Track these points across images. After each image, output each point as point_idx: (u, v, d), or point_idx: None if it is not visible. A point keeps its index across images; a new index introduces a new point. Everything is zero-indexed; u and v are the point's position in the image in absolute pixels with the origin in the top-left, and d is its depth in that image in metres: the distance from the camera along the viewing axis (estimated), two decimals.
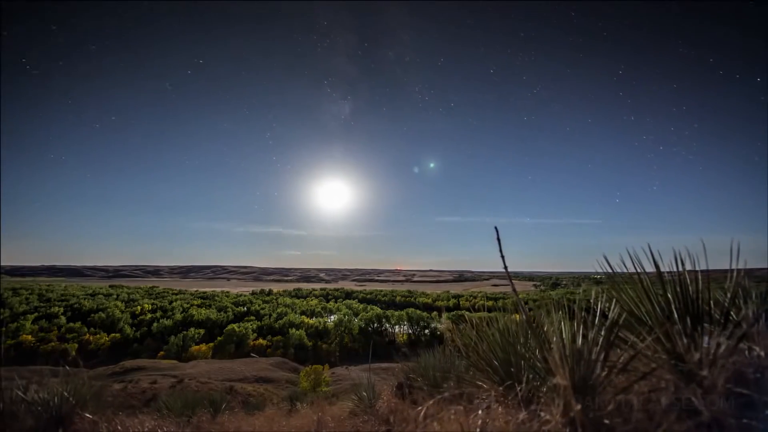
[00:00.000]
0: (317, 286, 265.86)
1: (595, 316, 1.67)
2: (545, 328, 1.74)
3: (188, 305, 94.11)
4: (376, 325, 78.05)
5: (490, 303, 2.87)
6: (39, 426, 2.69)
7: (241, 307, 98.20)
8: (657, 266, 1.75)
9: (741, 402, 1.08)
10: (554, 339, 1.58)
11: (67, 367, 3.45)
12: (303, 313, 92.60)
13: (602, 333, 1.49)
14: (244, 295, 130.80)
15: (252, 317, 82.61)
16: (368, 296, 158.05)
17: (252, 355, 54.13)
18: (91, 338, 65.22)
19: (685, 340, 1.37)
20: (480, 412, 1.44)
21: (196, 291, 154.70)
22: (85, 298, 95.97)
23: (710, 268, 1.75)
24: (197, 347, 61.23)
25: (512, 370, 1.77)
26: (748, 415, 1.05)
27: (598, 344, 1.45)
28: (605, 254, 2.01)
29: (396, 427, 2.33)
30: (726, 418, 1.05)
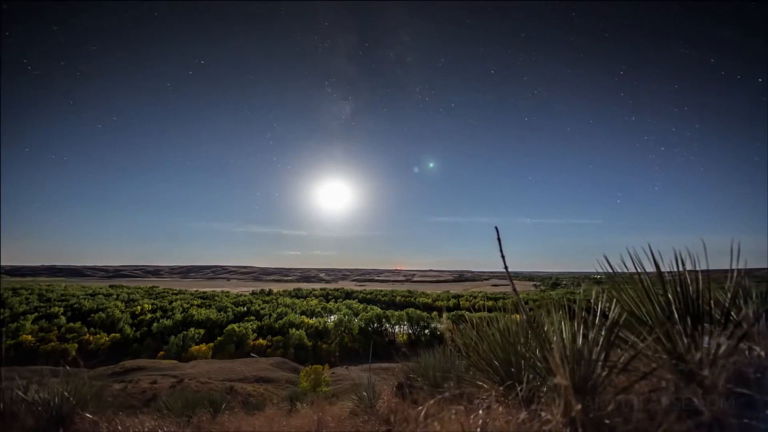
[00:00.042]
0: (317, 286, 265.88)
1: (595, 316, 1.67)
2: (545, 328, 1.74)
3: (188, 305, 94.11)
4: (376, 325, 78.05)
5: (490, 303, 2.87)
6: (39, 426, 2.69)
7: (241, 307, 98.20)
8: (657, 266, 1.75)
9: (741, 402, 1.08)
10: (554, 339, 1.58)
11: (68, 367, 3.44)
12: (303, 313, 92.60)
13: (602, 333, 1.49)
14: (244, 295, 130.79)
15: (252, 317, 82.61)
16: (368, 296, 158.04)
17: (252, 355, 54.14)
18: (91, 338, 65.22)
19: (685, 340, 1.37)
20: (480, 411, 1.44)
21: (196, 291, 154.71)
22: (85, 298, 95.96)
23: (710, 268, 1.75)
24: (197, 347, 61.23)
25: (512, 370, 1.77)
26: (749, 415, 1.05)
27: (598, 344, 1.45)
28: (605, 254, 2.01)
29: (397, 427, 2.33)
30: (727, 418, 1.05)
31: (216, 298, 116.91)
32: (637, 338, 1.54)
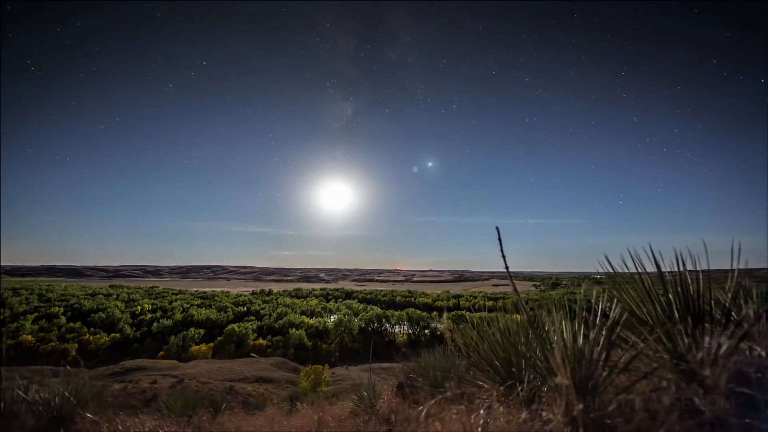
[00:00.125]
0: (317, 286, 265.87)
1: (596, 316, 1.67)
2: (546, 328, 1.75)
3: (188, 305, 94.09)
4: (376, 325, 78.04)
5: (491, 303, 2.87)
6: (40, 426, 2.69)
7: (241, 307, 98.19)
8: (658, 266, 1.75)
9: (743, 401, 1.08)
10: (555, 339, 1.58)
11: (68, 367, 3.45)
12: (303, 313, 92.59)
13: (603, 333, 1.49)
14: (244, 295, 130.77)
15: (252, 317, 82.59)
16: (368, 296, 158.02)
17: (252, 355, 54.14)
18: (91, 338, 65.21)
19: (686, 340, 1.37)
20: (481, 411, 1.44)
21: (196, 291, 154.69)
22: (85, 298, 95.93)
23: (711, 268, 1.76)
24: (197, 347, 61.22)
25: (513, 369, 1.77)
26: (750, 414, 1.05)
27: (599, 344, 1.45)
28: (606, 254, 2.02)
29: (398, 426, 2.33)
30: (728, 418, 1.05)
31: (216, 298, 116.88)
32: (638, 338, 1.55)
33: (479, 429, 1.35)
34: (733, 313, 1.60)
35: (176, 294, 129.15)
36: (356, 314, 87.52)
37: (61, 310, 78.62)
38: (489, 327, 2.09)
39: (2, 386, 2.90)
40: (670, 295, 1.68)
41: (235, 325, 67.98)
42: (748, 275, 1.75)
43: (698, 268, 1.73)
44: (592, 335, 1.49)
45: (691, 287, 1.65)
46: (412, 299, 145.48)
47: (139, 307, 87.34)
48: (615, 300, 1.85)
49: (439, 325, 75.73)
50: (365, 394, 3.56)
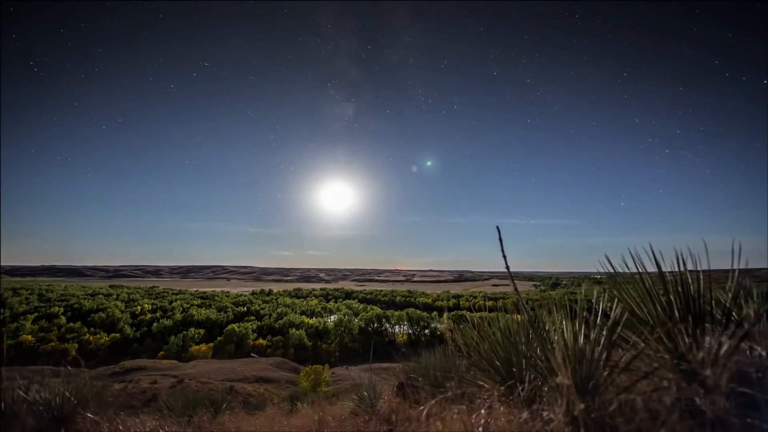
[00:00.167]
0: (317, 286, 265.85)
1: (596, 316, 1.68)
2: (547, 328, 1.75)
3: (188, 305, 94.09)
4: (376, 325, 78.04)
5: (491, 303, 2.87)
6: (41, 426, 2.69)
7: (241, 307, 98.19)
8: (659, 266, 1.75)
9: (743, 401, 1.08)
10: (556, 338, 1.58)
11: (69, 367, 3.45)
12: (303, 313, 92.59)
13: (604, 333, 1.50)
14: (244, 295, 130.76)
15: (252, 317, 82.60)
16: (368, 296, 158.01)
17: (252, 355, 54.13)
18: (91, 338, 65.22)
19: (687, 340, 1.37)
20: (482, 411, 1.44)
21: (196, 291, 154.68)
22: (85, 298, 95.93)
23: (711, 268, 1.76)
24: (197, 347, 61.23)
25: (514, 369, 1.77)
26: (751, 414, 1.05)
27: (600, 344, 1.45)
28: (606, 254, 2.02)
29: (399, 426, 2.34)
30: (729, 418, 1.05)
31: (216, 298, 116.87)
32: (639, 338, 1.55)
33: (480, 429, 1.35)
34: (733, 313, 1.60)
35: (176, 294, 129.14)
36: (356, 314, 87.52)
37: (61, 310, 78.63)
38: (489, 327, 2.09)
39: (3, 386, 2.90)
40: (671, 295, 1.68)
41: (235, 325, 67.99)
42: (748, 275, 1.75)
43: (699, 268, 1.73)
44: (592, 335, 1.49)
45: (691, 287, 1.66)
46: (412, 299, 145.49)
47: (139, 307, 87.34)
48: (615, 300, 1.85)
49: (439, 325, 75.74)
50: (366, 394, 3.56)
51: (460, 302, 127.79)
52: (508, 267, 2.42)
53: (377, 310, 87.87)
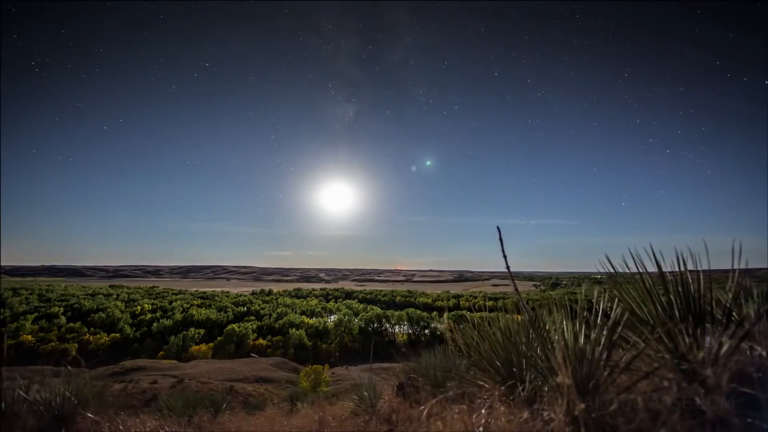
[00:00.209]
0: (317, 286, 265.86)
1: (597, 316, 1.68)
2: (547, 328, 1.75)
3: (188, 305, 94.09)
4: (376, 325, 78.04)
5: (491, 303, 2.87)
6: (42, 426, 2.69)
7: (241, 307, 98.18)
8: (659, 266, 1.76)
9: (744, 401, 1.08)
10: (556, 338, 1.58)
11: (69, 367, 3.45)
12: (303, 313, 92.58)
13: (604, 332, 1.50)
14: (244, 295, 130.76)
15: (252, 317, 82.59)
16: (368, 296, 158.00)
17: (252, 355, 54.13)
18: (91, 338, 65.21)
19: (687, 340, 1.37)
20: (483, 411, 1.44)
21: (196, 291, 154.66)
22: (85, 298, 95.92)
23: (712, 268, 1.76)
24: (197, 347, 61.22)
25: (514, 369, 1.77)
26: (752, 414, 1.05)
27: (600, 344, 1.45)
28: (607, 254, 2.02)
29: (399, 426, 2.34)
30: (729, 417, 1.05)
31: (216, 298, 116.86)
32: (639, 338, 1.55)
33: (481, 428, 1.36)
34: (734, 313, 1.60)
35: (176, 294, 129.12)
36: (356, 314, 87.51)
37: (61, 310, 78.61)
38: (490, 327, 2.09)
39: (3, 386, 2.90)
40: (671, 295, 1.68)
41: (235, 325, 67.98)
42: (748, 275, 1.75)
43: (699, 268, 1.73)
44: (593, 335, 1.49)
45: (692, 287, 1.66)
46: (412, 299, 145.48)
47: (139, 307, 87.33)
48: (616, 300, 1.85)
49: (439, 325, 75.75)
50: (366, 393, 3.56)
51: (460, 302, 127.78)
52: (508, 267, 2.42)
53: (377, 310, 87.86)
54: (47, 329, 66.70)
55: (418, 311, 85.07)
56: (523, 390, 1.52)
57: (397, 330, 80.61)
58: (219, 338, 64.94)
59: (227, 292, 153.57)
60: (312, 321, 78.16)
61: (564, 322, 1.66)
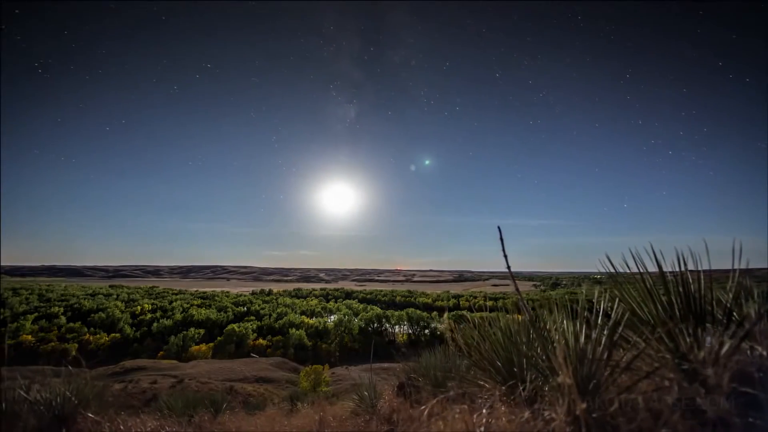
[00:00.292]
0: (317, 286, 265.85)
1: (597, 316, 1.68)
2: (548, 327, 1.75)
3: (188, 305, 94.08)
4: (376, 325, 78.04)
5: (491, 303, 2.87)
6: (42, 425, 2.70)
7: (241, 307, 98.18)
8: (660, 266, 1.76)
9: (745, 401, 1.08)
10: (557, 338, 1.58)
11: (70, 367, 3.45)
12: (303, 313, 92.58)
13: (605, 332, 1.50)
14: (244, 295, 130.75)
15: (252, 317, 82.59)
16: (368, 296, 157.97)
17: (252, 355, 54.12)
18: (91, 338, 65.20)
19: (688, 340, 1.37)
20: (484, 411, 1.44)
21: (196, 291, 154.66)
22: (85, 298, 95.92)
23: (712, 268, 1.76)
24: (197, 347, 61.21)
25: (515, 369, 1.77)
26: (752, 414, 1.05)
27: (601, 343, 1.45)
28: (607, 254, 2.02)
29: (400, 426, 2.34)
30: (730, 417, 1.05)
31: (216, 298, 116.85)
32: (640, 338, 1.55)
33: (482, 428, 1.36)
34: (734, 313, 1.60)
35: (176, 294, 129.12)
36: (356, 314, 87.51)
37: (61, 310, 78.61)
38: (490, 327, 2.09)
39: (4, 386, 2.91)
40: (672, 295, 1.68)
41: (235, 325, 67.98)
42: (749, 275, 1.75)
43: (700, 268, 1.73)
44: (594, 335, 1.50)
45: (692, 287, 1.66)
46: (412, 299, 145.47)
47: (139, 307, 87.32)
48: (617, 300, 1.85)
49: (439, 325, 75.75)
50: (366, 393, 3.56)
51: (460, 302, 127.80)
52: (509, 267, 2.43)
53: (377, 310, 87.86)
54: (47, 329, 66.70)
55: (418, 311, 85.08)
56: (523, 390, 1.52)
57: (397, 330, 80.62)
58: (219, 338, 64.94)
59: (227, 292, 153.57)
60: (312, 321, 78.15)
61: (565, 322, 1.66)
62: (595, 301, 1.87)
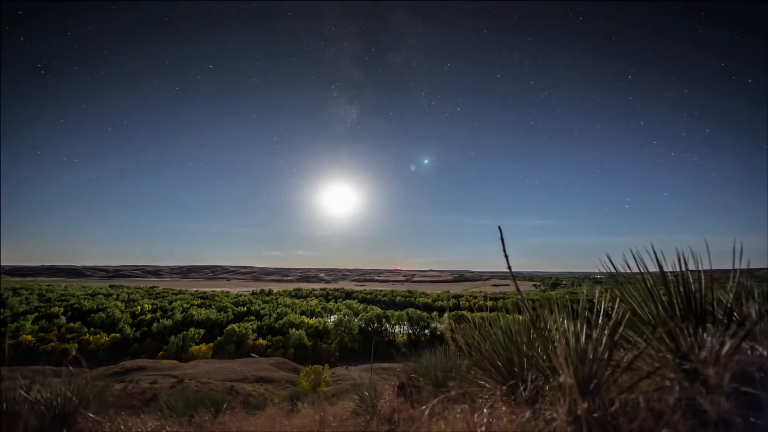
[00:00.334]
0: (317, 286, 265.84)
1: (598, 316, 1.68)
2: (548, 326, 1.75)
3: (188, 305, 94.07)
4: (376, 325, 78.03)
5: (491, 303, 2.87)
6: (43, 425, 2.70)
7: (241, 307, 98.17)
8: (660, 266, 1.76)
9: (745, 401, 1.08)
10: (558, 338, 1.58)
11: (70, 367, 3.45)
12: (303, 313, 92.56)
13: (606, 332, 1.50)
14: (244, 295, 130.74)
15: (252, 317, 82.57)
16: (368, 296, 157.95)
17: (252, 355, 54.12)
18: (91, 338, 65.19)
19: (689, 339, 1.37)
20: (485, 411, 1.44)
21: (196, 291, 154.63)
22: (85, 298, 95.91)
23: (713, 267, 1.76)
24: (197, 347, 61.20)
25: (515, 369, 1.77)
26: (753, 413, 1.05)
27: (602, 343, 1.45)
28: (608, 254, 2.02)
29: (401, 426, 2.34)
30: (731, 417, 1.05)
31: (216, 298, 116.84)
32: (641, 337, 1.55)
33: (483, 428, 1.36)
34: (735, 313, 1.60)
35: (176, 294, 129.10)
36: (356, 314, 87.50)
37: (61, 310, 78.59)
38: (491, 327, 2.10)
39: (4, 386, 2.91)
40: (673, 295, 1.68)
41: (235, 325, 67.96)
42: (749, 275, 1.75)
43: (700, 268, 1.73)
44: (594, 335, 1.50)
45: (693, 287, 1.66)
46: (412, 299, 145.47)
47: (139, 307, 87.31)
48: (617, 300, 1.85)
49: (439, 325, 75.76)
50: (366, 393, 3.56)
51: (460, 302, 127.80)
52: (509, 267, 2.43)
53: (377, 310, 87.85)
54: (47, 329, 66.68)
55: (418, 311, 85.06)
56: (524, 390, 1.52)
57: (397, 330, 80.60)
58: (219, 338, 64.92)
59: (227, 292, 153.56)
60: (312, 321, 78.12)
61: (565, 322, 1.67)
62: (595, 301, 1.87)
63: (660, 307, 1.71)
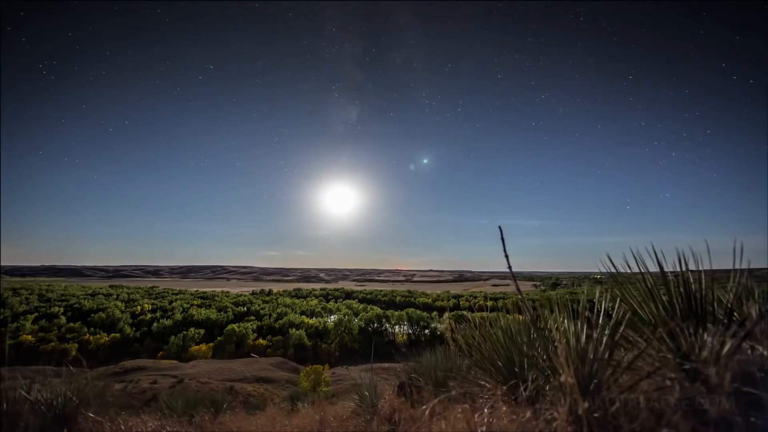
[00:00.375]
0: (317, 286, 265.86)
1: (599, 316, 1.68)
2: (549, 326, 1.75)
3: (188, 305, 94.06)
4: (376, 325, 78.03)
5: (491, 303, 2.87)
6: (44, 425, 2.70)
7: (241, 307, 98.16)
8: (661, 266, 1.76)
9: (746, 400, 1.08)
10: (558, 338, 1.58)
11: (70, 367, 3.45)
12: (303, 313, 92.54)
13: (606, 332, 1.50)
14: (244, 295, 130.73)
15: (252, 317, 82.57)
16: (368, 296, 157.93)
17: (252, 355, 54.11)
18: (91, 338, 65.17)
19: (689, 339, 1.37)
20: (485, 410, 1.44)
21: (196, 291, 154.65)
22: (85, 298, 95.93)
23: (713, 267, 1.76)
24: (197, 347, 61.19)
25: (516, 369, 1.77)
26: (754, 413, 1.05)
27: (602, 343, 1.45)
28: (608, 254, 2.02)
29: (401, 426, 2.34)
30: (731, 417, 1.05)
31: (216, 298, 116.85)
32: (641, 337, 1.55)
33: (483, 428, 1.36)
34: (735, 313, 1.60)
35: (176, 294, 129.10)
36: (356, 314, 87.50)
37: (61, 310, 78.61)
38: (491, 327, 2.10)
39: (4, 386, 2.91)
40: (673, 295, 1.68)
41: (235, 325, 67.95)
42: (749, 275, 1.75)
43: (701, 268, 1.73)
44: (595, 334, 1.50)
45: (693, 287, 1.66)
46: (412, 299, 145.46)
47: (139, 307, 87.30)
48: (618, 300, 1.85)
49: (439, 325, 75.76)
50: (367, 393, 3.56)
51: (461, 302, 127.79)
52: (510, 267, 2.43)
53: (377, 310, 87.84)
54: (47, 329, 66.69)
55: (418, 311, 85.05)
56: (525, 389, 1.52)
57: (397, 330, 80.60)
58: (219, 338, 64.91)
59: (227, 292, 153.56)
60: (312, 321, 78.11)
61: (566, 322, 1.67)
62: (596, 300, 1.88)
63: (660, 307, 1.71)
